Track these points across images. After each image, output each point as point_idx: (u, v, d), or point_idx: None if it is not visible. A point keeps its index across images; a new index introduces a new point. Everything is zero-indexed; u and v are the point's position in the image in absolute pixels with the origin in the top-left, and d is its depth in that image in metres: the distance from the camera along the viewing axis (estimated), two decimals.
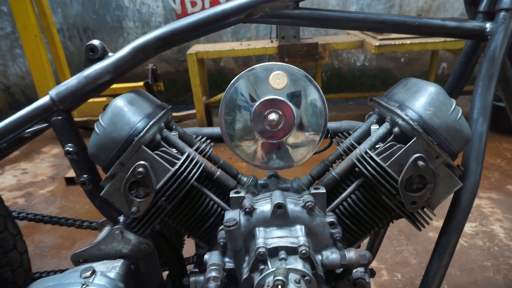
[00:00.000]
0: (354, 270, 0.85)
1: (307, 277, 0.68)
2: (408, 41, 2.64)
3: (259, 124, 0.77)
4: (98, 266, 0.91)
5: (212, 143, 1.00)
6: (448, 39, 2.58)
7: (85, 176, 0.94)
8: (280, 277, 0.63)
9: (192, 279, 0.90)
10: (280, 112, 0.76)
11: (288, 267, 0.68)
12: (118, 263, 0.94)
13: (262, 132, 0.78)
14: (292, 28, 2.83)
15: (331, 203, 0.86)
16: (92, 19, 4.38)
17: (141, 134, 0.80)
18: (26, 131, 1.06)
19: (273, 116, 0.75)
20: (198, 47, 3.23)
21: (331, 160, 0.92)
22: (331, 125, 1.02)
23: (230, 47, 3.09)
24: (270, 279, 0.66)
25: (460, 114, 0.76)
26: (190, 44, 4.19)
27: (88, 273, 0.87)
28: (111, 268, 0.92)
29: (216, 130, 1.09)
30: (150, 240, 0.95)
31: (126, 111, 0.82)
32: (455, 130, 0.76)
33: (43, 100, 0.85)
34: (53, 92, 0.84)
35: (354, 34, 3.21)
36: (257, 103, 0.76)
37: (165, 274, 1.13)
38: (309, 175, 0.93)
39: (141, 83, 3.24)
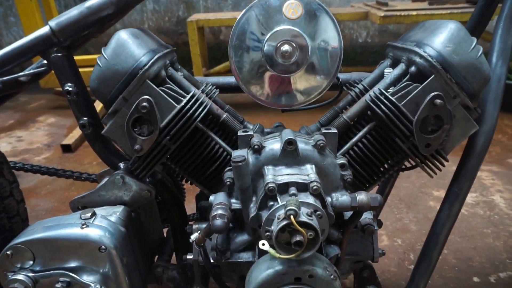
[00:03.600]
0: (362, 217, 0.83)
1: (318, 212, 0.66)
2: (414, 12, 2.58)
3: (271, 56, 0.73)
4: (99, 210, 0.89)
5: (218, 90, 0.96)
6: (455, 11, 2.53)
7: (85, 118, 0.90)
8: (292, 207, 0.60)
9: (195, 226, 0.87)
10: (294, 44, 0.72)
11: (300, 200, 0.65)
12: (119, 208, 0.91)
13: (274, 65, 0.74)
14: None
15: (341, 149, 0.83)
16: None
17: (146, 67, 0.76)
18: (24, 74, 1.02)
19: (286, 47, 0.71)
20: (199, 16, 3.15)
21: (341, 106, 0.89)
22: (341, 76, 0.99)
23: (231, 15, 3.01)
24: (280, 212, 0.64)
25: (480, 51, 0.73)
26: (190, 14, 4.09)
27: (88, 215, 0.84)
28: (112, 213, 0.90)
29: (221, 79, 1.06)
30: (152, 187, 0.92)
31: (131, 43, 0.78)
32: (475, 68, 0.73)
33: (42, 30, 0.80)
34: (53, 22, 0.80)
35: (358, 6, 3.14)
36: (270, 33, 0.72)
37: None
38: (318, 122, 0.90)
39: None
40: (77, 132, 2.92)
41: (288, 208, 0.61)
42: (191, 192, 1.19)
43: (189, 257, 0.88)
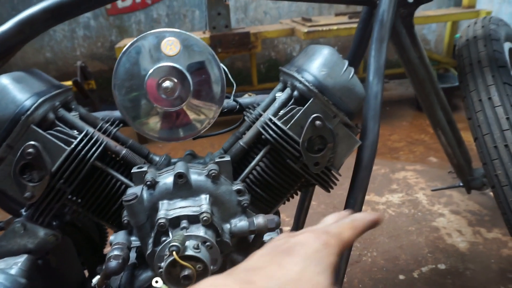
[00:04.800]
0: (267, 236, 0.85)
1: (208, 243, 0.67)
2: (335, 27, 2.73)
3: (154, 93, 0.74)
4: None
5: (121, 124, 0.95)
6: None
7: None
8: (175, 243, 0.61)
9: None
10: (175, 80, 0.74)
11: (187, 234, 0.66)
12: (21, 258, 0.87)
13: (159, 101, 0.75)
14: (222, 18, 2.82)
15: (241, 174, 0.86)
16: None
17: (29, 112, 0.74)
18: None
19: (167, 84, 0.73)
20: (127, 41, 3.11)
21: (241, 131, 0.92)
22: (245, 100, 1.02)
23: None
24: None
25: (352, 73, 0.79)
26: (123, 38, 4.03)
27: None
28: (12, 264, 0.85)
29: None
30: (58, 231, 0.89)
31: (11, 88, 0.76)
32: (348, 89, 0.79)
33: None
34: None
35: (286, 23, 3.27)
36: (149, 71, 0.73)
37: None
38: (221, 148, 0.92)
39: (69, 82, 3.07)
40: None
41: (170, 244, 0.61)
42: None
43: None
